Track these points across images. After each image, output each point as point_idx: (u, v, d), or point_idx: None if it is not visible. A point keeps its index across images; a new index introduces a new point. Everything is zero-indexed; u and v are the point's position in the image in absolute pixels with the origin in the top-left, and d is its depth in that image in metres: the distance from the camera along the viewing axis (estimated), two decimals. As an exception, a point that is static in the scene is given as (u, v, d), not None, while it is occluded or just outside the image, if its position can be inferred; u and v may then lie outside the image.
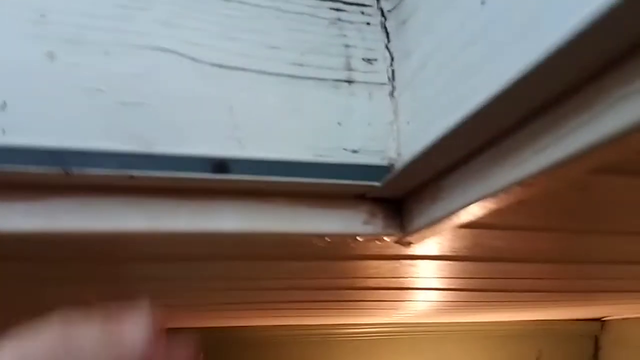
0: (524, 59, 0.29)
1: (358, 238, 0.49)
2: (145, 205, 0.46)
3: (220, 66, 0.51)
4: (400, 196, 0.48)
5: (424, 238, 0.47)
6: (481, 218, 0.37)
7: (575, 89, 0.27)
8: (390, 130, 0.52)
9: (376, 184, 0.47)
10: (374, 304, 1.14)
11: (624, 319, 1.75)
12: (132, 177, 0.45)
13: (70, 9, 0.47)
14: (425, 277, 0.85)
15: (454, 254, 0.62)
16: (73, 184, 0.45)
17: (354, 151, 0.51)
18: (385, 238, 0.49)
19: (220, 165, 0.48)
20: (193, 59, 0.51)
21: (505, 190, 0.31)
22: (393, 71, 0.53)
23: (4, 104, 0.44)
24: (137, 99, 0.48)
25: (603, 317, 1.83)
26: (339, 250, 0.53)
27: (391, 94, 0.53)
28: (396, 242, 0.50)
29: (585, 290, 1.06)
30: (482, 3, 0.37)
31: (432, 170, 0.40)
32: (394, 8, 0.54)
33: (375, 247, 0.54)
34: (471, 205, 0.36)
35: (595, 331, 1.83)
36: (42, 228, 0.45)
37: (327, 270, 0.73)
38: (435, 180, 0.42)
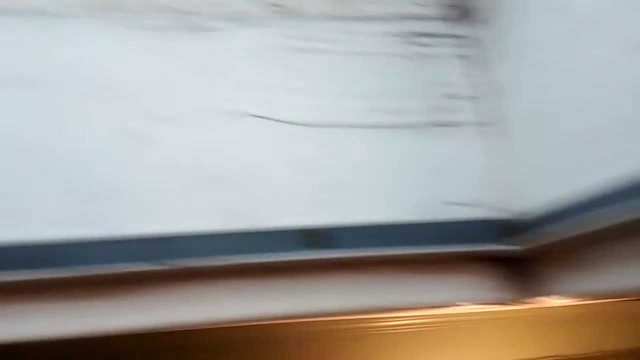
0: None
1: (483, 304, 0.43)
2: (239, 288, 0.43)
3: (304, 125, 0.47)
4: (529, 257, 0.43)
5: (549, 304, 0.41)
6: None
7: None
8: (506, 179, 0.46)
9: (506, 247, 0.42)
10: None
11: None
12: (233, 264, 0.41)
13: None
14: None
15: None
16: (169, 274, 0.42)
17: (462, 205, 0.46)
18: (509, 302, 0.44)
19: (315, 235, 0.44)
20: (276, 120, 0.47)
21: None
22: (497, 109, 0.47)
23: (94, 194, 0.42)
24: (224, 173, 0.44)
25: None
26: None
27: (501, 136, 0.47)
28: (512, 302, 0.45)
29: None
30: None
31: (588, 235, 0.34)
32: (496, 38, 0.47)
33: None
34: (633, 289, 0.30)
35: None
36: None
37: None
38: (584, 246, 0.36)
